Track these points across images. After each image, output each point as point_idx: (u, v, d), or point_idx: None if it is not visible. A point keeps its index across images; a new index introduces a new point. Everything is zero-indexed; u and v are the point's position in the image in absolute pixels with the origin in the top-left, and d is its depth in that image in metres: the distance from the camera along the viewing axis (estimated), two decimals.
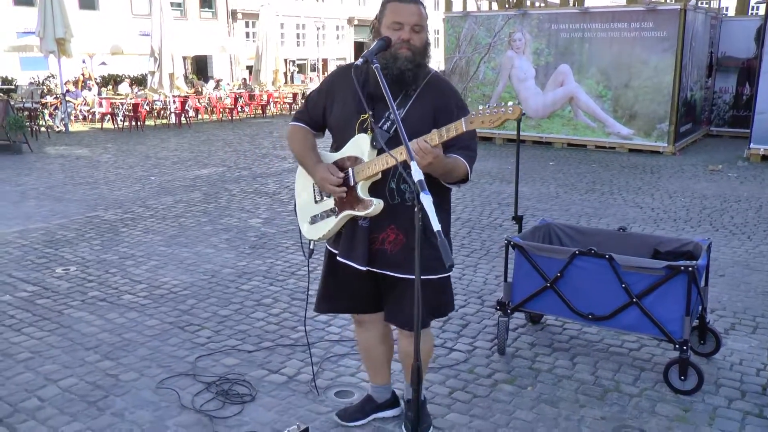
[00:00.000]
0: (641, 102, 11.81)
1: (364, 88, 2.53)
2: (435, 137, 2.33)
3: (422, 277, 2.56)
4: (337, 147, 2.70)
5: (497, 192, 8.61)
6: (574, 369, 3.72)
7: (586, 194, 8.48)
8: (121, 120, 16.95)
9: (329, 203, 2.69)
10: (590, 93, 12.27)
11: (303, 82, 31.06)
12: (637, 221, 7.03)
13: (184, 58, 23.07)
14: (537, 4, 14.39)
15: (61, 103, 16.74)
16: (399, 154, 2.36)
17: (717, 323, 4.28)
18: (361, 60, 2.43)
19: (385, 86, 2.30)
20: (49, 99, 18.11)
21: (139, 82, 24.85)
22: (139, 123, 16.66)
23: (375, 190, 2.58)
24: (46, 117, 16.38)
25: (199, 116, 19.42)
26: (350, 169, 2.58)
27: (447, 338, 4.12)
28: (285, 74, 26.00)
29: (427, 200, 1.96)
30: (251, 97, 21.09)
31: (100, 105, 18.05)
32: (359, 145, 2.57)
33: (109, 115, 17.34)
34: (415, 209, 2.00)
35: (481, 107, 2.30)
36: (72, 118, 17.42)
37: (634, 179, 9.48)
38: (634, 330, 3.57)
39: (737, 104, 14.07)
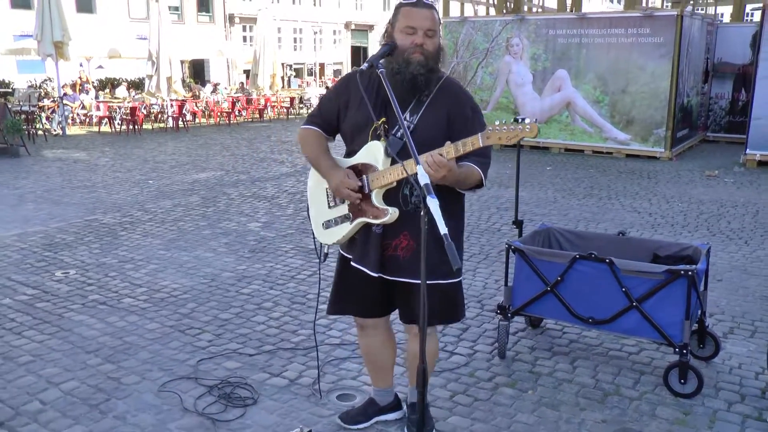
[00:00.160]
0: (638, 107, 11.86)
1: (378, 94, 2.54)
2: (451, 151, 2.32)
3: (432, 281, 2.60)
4: (349, 153, 2.70)
5: (495, 197, 8.64)
6: (575, 373, 3.74)
7: (584, 199, 8.51)
8: (118, 123, 16.95)
9: (343, 209, 2.69)
10: (587, 98, 12.33)
11: (300, 86, 31.11)
12: (634, 226, 7.06)
13: (182, 62, 23.07)
14: (534, 9, 14.45)
15: (58, 107, 16.73)
16: (412, 166, 2.35)
17: (716, 327, 4.30)
18: (366, 65, 2.45)
19: (391, 93, 2.31)
20: (46, 102, 18.09)
21: (137, 85, 24.85)
22: (136, 127, 16.66)
23: (388, 196, 2.59)
24: (44, 120, 16.36)
25: (197, 120, 19.43)
26: (365, 177, 2.58)
27: (447, 342, 4.13)
28: (282, 78, 26.01)
29: (433, 204, 1.97)
30: (249, 101, 21.11)
31: (98, 108, 18.04)
32: (373, 152, 2.56)
33: (106, 119, 17.33)
34: (421, 213, 2.01)
35: (497, 123, 2.29)
36: (69, 121, 17.40)
37: (631, 184, 9.52)
38: (634, 334, 3.60)
39: (733, 110, 14.15)
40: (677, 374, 3.44)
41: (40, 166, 11.34)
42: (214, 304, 4.79)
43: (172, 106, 17.78)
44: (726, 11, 21.50)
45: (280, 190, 9.18)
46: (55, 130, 16.33)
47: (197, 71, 32.18)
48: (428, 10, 2.51)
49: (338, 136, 2.87)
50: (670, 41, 11.32)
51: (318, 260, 2.89)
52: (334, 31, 42.49)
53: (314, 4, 40.57)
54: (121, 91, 21.90)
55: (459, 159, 2.41)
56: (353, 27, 43.27)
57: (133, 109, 16.69)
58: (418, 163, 2.12)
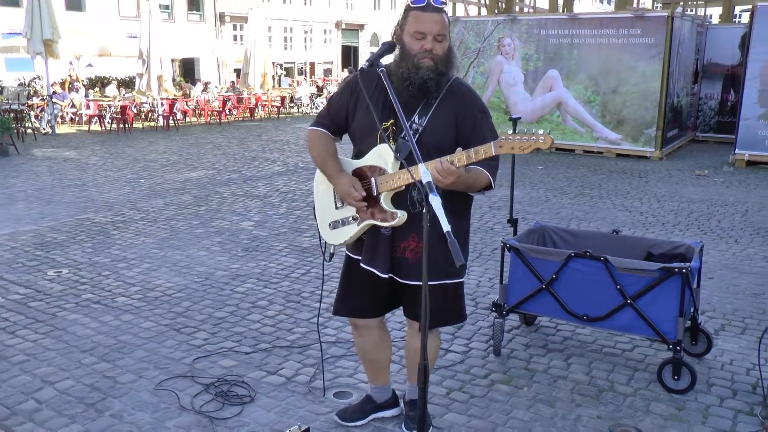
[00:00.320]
0: (629, 107, 11.94)
1: (386, 96, 2.53)
2: (463, 158, 2.32)
3: (440, 282, 2.63)
4: (358, 153, 2.71)
5: (487, 195, 8.62)
6: (569, 369, 3.77)
7: (576, 198, 8.56)
8: (108, 122, 16.86)
9: (350, 211, 2.69)
10: (578, 98, 12.39)
11: (290, 85, 31.05)
12: (626, 225, 7.11)
13: (173, 61, 22.97)
14: (526, 9, 14.51)
15: (47, 105, 16.61)
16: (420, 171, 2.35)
17: (707, 324, 4.34)
18: (367, 63, 2.45)
19: (394, 96, 2.31)
20: (35, 101, 17.96)
21: (127, 84, 24.72)
22: (126, 125, 16.57)
23: (396, 198, 2.59)
24: (32, 119, 16.24)
25: (187, 119, 19.36)
26: (373, 179, 2.58)
27: (443, 339, 4.14)
28: (273, 77, 25.96)
29: (436, 201, 1.98)
30: (239, 100, 21.05)
31: (88, 107, 17.93)
32: (382, 155, 2.56)
33: (96, 118, 17.23)
34: (424, 210, 2.02)
35: (511, 132, 2.29)
36: (58, 120, 17.29)
37: (622, 184, 9.58)
38: (628, 331, 3.63)
39: (722, 110, 14.27)
40: (671, 370, 3.48)
41: (30, 165, 11.27)
42: (208, 302, 4.79)
43: (162, 104, 17.70)
44: (715, 12, 21.67)
45: (272, 189, 9.17)
46: (44, 129, 16.22)
47: (187, 70, 32.05)
48: (438, 14, 2.47)
49: (344, 136, 2.87)
50: (660, 42, 11.40)
51: (324, 259, 2.89)
52: (325, 31, 42.43)
53: (305, 3, 40.50)
54: (111, 90, 21.77)
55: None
56: (344, 26, 43.23)
57: (123, 108, 16.60)
58: (420, 161, 2.12)
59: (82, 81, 22.80)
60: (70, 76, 22.21)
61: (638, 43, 11.61)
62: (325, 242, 2.84)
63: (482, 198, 8.47)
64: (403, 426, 3.07)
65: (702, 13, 16.82)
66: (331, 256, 2.88)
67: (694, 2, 22.79)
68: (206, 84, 24.40)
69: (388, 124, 2.57)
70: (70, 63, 23.34)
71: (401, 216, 2.54)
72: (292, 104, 23.42)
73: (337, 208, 2.74)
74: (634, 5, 13.53)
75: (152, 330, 4.26)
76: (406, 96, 2.51)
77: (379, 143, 2.58)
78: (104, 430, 3.08)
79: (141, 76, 17.33)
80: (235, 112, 20.75)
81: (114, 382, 3.54)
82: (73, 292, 4.97)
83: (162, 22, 17.70)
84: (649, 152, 11.84)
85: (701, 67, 14.12)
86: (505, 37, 12.96)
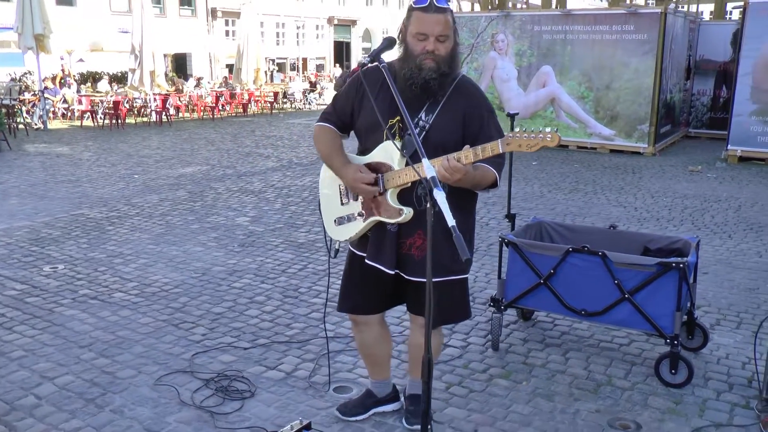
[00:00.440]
0: (622, 103, 11.99)
1: (392, 93, 2.53)
2: (470, 155, 2.33)
3: (446, 278, 2.64)
4: (364, 150, 2.71)
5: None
6: (567, 364, 3.79)
7: (570, 194, 8.59)
8: (101, 118, 16.77)
9: (356, 206, 2.70)
10: (572, 94, 12.43)
11: (283, 81, 30.96)
12: (621, 220, 7.14)
13: (165, 56, 22.85)
14: (519, 5, 14.53)
15: (39, 100, 16.51)
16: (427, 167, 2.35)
17: (703, 319, 4.38)
18: (368, 58, 2.45)
19: (398, 94, 2.31)
20: (27, 96, 17.84)
21: (119, 79, 24.58)
22: (119, 121, 16.50)
23: (402, 195, 2.60)
24: (24, 114, 16.13)
25: (180, 114, 19.28)
26: (380, 176, 2.58)
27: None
28: (265, 73, 25.89)
29: (440, 196, 1.99)
30: (232, 95, 20.98)
31: (80, 102, 17.82)
32: (389, 152, 2.56)
33: (88, 113, 17.14)
34: (428, 205, 2.03)
35: (518, 130, 2.30)
36: (50, 115, 17.18)
37: (616, 179, 9.63)
38: (626, 325, 3.66)
39: (714, 106, 14.35)
40: (668, 365, 3.50)
41: (23, 160, 11.20)
42: (206, 298, 4.78)
43: (155, 100, 17.62)
44: (706, 9, 21.75)
45: (267, 185, 9.16)
46: (36, 124, 16.13)
47: (179, 65, 31.88)
48: (440, 15, 2.45)
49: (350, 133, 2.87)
50: (653, 38, 11.44)
51: (329, 255, 2.90)
52: (317, 26, 42.31)
53: None
54: (103, 85, 21.65)
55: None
56: (336, 22, 43.12)
57: (116, 103, 16.53)
58: (424, 156, 2.13)
59: (74, 76, 22.65)
60: (62, 71, 22.05)
61: (631, 39, 11.65)
62: (331, 238, 2.85)
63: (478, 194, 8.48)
64: (403, 420, 3.08)
65: (694, 10, 16.86)
66: (336, 252, 2.89)
67: None
68: (199, 79, 24.31)
69: (395, 121, 2.57)
70: (62, 58, 23.17)
71: (407, 213, 2.54)
72: (285, 100, 23.37)
73: (342, 204, 2.75)
74: (627, 1, 13.56)
75: (150, 325, 4.26)
76: (411, 94, 2.51)
77: (385, 140, 2.58)
78: (105, 425, 3.08)
79: (133, 71, 17.25)
80: (227, 108, 20.69)
81: (113, 378, 3.54)
82: (70, 287, 4.95)
83: (154, 17, 17.61)
84: (643, 148, 11.90)
85: (693, 64, 14.19)
86: (499, 33, 12.97)
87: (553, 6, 14.10)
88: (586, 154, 12.03)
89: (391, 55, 2.57)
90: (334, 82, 32.35)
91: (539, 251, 3.78)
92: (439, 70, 2.49)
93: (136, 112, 18.07)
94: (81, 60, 25.30)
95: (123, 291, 4.89)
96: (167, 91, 18.97)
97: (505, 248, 3.94)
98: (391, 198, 2.58)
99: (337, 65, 42.26)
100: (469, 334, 4.19)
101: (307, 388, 3.46)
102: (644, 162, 11.23)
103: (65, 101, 18.40)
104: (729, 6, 19.96)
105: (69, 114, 18.17)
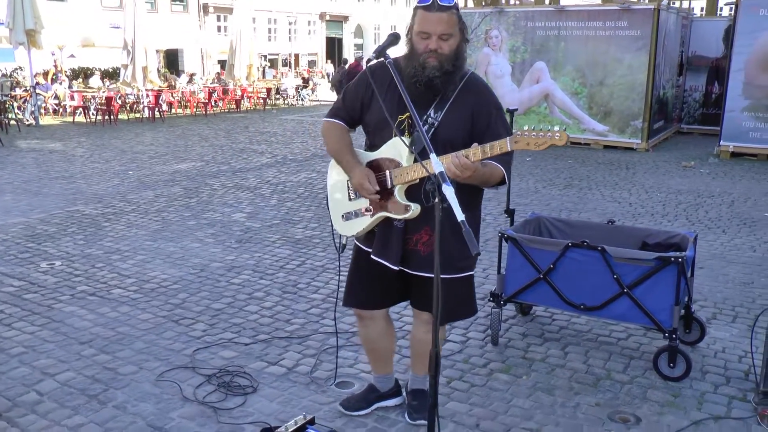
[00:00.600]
0: (616, 99, 12.04)
1: (402, 89, 2.53)
2: (478, 153, 2.35)
3: (452, 275, 2.66)
4: (372, 145, 2.72)
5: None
6: (566, 358, 3.82)
7: (565, 189, 8.63)
8: (93, 114, 16.68)
9: (364, 202, 2.71)
10: (566, 90, 12.47)
11: (275, 76, 30.86)
12: (616, 216, 7.18)
13: (157, 52, 22.73)
14: (513, 1, 14.55)
15: (30, 96, 16.40)
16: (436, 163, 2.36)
17: (699, 313, 4.42)
18: (374, 54, 2.46)
19: (404, 92, 2.32)
20: (18, 92, 17.71)
21: (111, 75, 24.44)
22: (112, 117, 16.41)
23: (410, 191, 2.61)
24: (16, 110, 16.02)
25: (173, 110, 19.21)
26: (388, 172, 2.60)
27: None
28: (258, 69, 25.82)
29: (449, 191, 2.01)
30: (225, 91, 20.91)
31: (72, 98, 17.72)
32: (397, 148, 2.57)
33: (81, 109, 17.04)
34: (436, 200, 2.04)
35: (526, 128, 2.31)
36: (42, 111, 17.08)
37: (610, 175, 9.68)
38: (625, 319, 3.69)
39: (706, 102, 14.43)
40: (666, 358, 3.54)
41: (15, 156, 11.13)
42: (205, 294, 4.79)
43: (148, 96, 17.54)
44: (697, 5, 21.88)
45: (263, 181, 9.15)
46: (27, 120, 16.02)
47: (171, 61, 31.70)
48: (443, 13, 2.45)
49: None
50: (647, 34, 11.49)
51: (336, 251, 2.91)
52: (309, 22, 42.18)
53: None
54: (95, 81, 21.52)
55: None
56: (328, 18, 43.00)
57: (108, 99, 16.43)
58: (432, 152, 2.14)
59: (65, 72, 22.50)
60: (55, 66, 21.89)
61: (625, 35, 11.70)
62: (338, 233, 2.86)
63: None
64: (406, 415, 3.10)
65: (686, 6, 16.94)
66: (343, 247, 2.90)
67: None
68: (191, 75, 24.20)
69: (404, 117, 2.58)
70: (53, 54, 23.01)
71: (415, 209, 2.56)
72: (277, 96, 23.30)
73: (350, 199, 2.76)
74: None
75: (150, 321, 4.26)
76: (418, 92, 2.52)
77: (394, 136, 2.59)
78: (108, 421, 3.09)
79: (126, 67, 17.17)
80: (220, 104, 20.62)
81: (115, 374, 3.54)
82: (68, 284, 4.94)
83: (146, 13, 17.51)
84: (636, 144, 11.96)
85: (686, 60, 14.26)
86: (492, 29, 12.99)
87: (547, 2, 14.12)
88: (579, 150, 12.08)
89: (395, 51, 2.58)
90: (330, 77, 32.33)
91: (539, 246, 3.81)
92: (442, 69, 2.50)
93: (128, 108, 17.98)
94: (72, 56, 25.13)
95: (121, 287, 4.88)
96: (160, 87, 18.87)
97: (504, 243, 3.96)
98: (398, 194, 2.59)
99: (329, 61, 42.18)
100: (468, 329, 4.22)
101: (309, 383, 3.47)
102: (638, 158, 11.29)
103: (56, 97, 18.29)
104: (721, 2, 20.06)
105: (60, 110, 18.05)
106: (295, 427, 2.78)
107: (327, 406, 3.23)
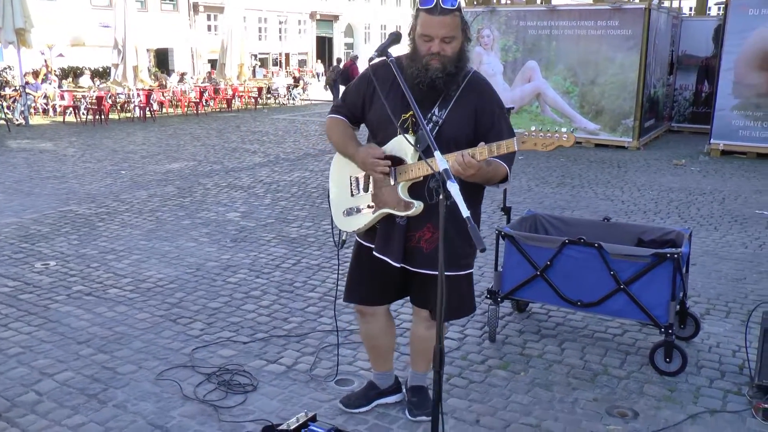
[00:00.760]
0: (607, 98, 12.11)
1: (405, 87, 2.54)
2: (485, 152, 2.35)
3: (454, 273, 2.67)
4: (376, 144, 2.71)
5: None
6: (563, 354, 3.85)
7: (558, 188, 8.68)
8: (84, 113, 16.59)
9: (366, 198, 2.72)
10: (557, 89, 12.53)
11: (265, 76, 30.79)
12: (609, 213, 7.22)
13: (148, 51, 22.61)
14: (504, 1, 14.59)
15: (20, 96, 16.29)
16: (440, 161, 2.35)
17: (693, 308, 4.45)
18: (376, 53, 2.48)
19: (408, 91, 2.34)
20: (7, 91, 17.58)
21: (101, 74, 24.30)
22: (102, 116, 16.33)
23: (414, 188, 2.63)
24: (5, 110, 15.91)
25: (164, 110, 19.13)
26: (392, 169, 2.60)
27: None
28: (249, 68, 25.75)
29: (454, 188, 2.02)
30: (216, 91, 20.85)
31: (62, 98, 17.61)
32: (402, 146, 2.58)
33: (71, 109, 16.94)
34: (440, 197, 2.06)
35: (534, 128, 2.32)
36: (32, 111, 16.96)
37: (602, 173, 9.74)
38: (621, 315, 3.72)
39: (696, 101, 14.54)
40: (663, 353, 3.58)
41: (6, 156, 11.06)
42: (202, 293, 4.78)
43: (139, 95, 17.46)
44: (685, 4, 22.05)
45: (256, 180, 9.14)
46: (17, 120, 15.91)
47: (161, 60, 31.56)
48: (445, 17, 2.45)
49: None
50: (638, 34, 11.57)
51: (336, 246, 2.92)
52: (299, 21, 42.12)
53: None
54: (85, 80, 21.39)
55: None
56: (318, 17, 42.95)
57: (99, 99, 16.35)
58: (435, 149, 2.16)
59: (54, 71, 22.35)
60: (45, 66, 21.72)
61: (616, 34, 11.77)
62: (338, 229, 2.87)
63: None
64: (406, 412, 3.12)
65: (676, 5, 17.08)
66: (343, 243, 2.91)
67: None
68: (182, 75, 24.10)
69: (407, 115, 2.59)
70: (42, 53, 22.85)
71: (418, 206, 2.57)
72: (269, 95, 23.25)
73: (352, 195, 2.77)
74: None
75: (148, 321, 4.25)
76: (422, 91, 2.53)
77: (399, 135, 2.60)
78: (108, 420, 3.08)
79: (116, 66, 17.09)
80: (212, 103, 20.56)
81: (114, 373, 3.53)
82: (63, 284, 4.92)
83: (136, 12, 17.44)
84: (627, 142, 12.04)
85: (676, 59, 14.36)
86: (484, 29, 13.03)
87: (539, 2, 14.18)
88: (571, 149, 12.12)
89: (397, 50, 2.59)
90: (320, 77, 32.26)
91: (536, 243, 3.83)
92: (445, 70, 2.51)
93: (119, 107, 17.90)
94: (61, 55, 24.96)
95: (118, 287, 4.87)
96: (151, 86, 18.80)
97: (501, 241, 3.99)
98: (402, 191, 2.60)
99: (319, 61, 42.14)
100: (465, 326, 4.24)
101: (308, 381, 3.48)
102: (629, 156, 11.36)
103: (46, 97, 18.16)
104: (710, 1, 20.21)
105: (50, 110, 17.93)
106: (297, 425, 2.79)
107: (327, 404, 3.24)
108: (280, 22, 40.43)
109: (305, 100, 25.10)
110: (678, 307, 3.89)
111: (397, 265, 2.71)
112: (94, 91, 17.75)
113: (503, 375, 3.59)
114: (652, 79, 12.58)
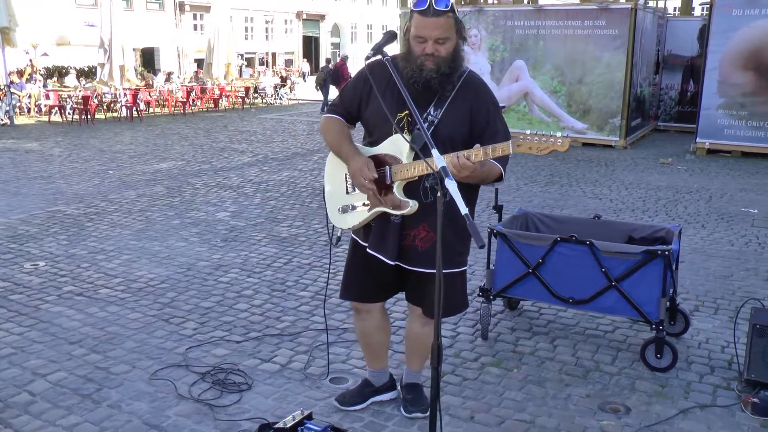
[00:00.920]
0: (594, 97, 12.20)
1: (401, 86, 2.56)
2: (480, 154, 2.36)
3: (448, 270, 2.68)
4: (371, 142, 2.74)
5: None
6: (555, 351, 3.89)
7: (546, 186, 8.73)
8: (69, 113, 16.45)
9: (361, 196, 2.72)
10: (545, 88, 12.60)
11: (252, 75, 30.69)
12: (597, 212, 7.26)
13: (134, 50, 22.46)
14: (491, 0, 14.66)
15: (5, 95, 16.12)
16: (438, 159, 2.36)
17: (683, 305, 4.51)
18: (371, 52, 2.49)
19: (404, 90, 2.35)
20: None
21: (86, 74, 24.10)
22: (89, 116, 16.21)
23: (409, 188, 2.64)
24: None
25: (151, 109, 19.02)
26: (387, 168, 2.61)
27: None
28: (236, 68, 25.67)
29: (452, 186, 2.04)
30: (203, 90, 20.76)
31: (47, 98, 17.45)
32: (398, 145, 2.59)
33: (56, 108, 16.79)
34: (438, 194, 2.08)
35: (529, 132, 2.34)
36: (17, 110, 16.80)
37: (590, 172, 9.81)
38: (612, 312, 3.76)
39: (682, 100, 14.68)
40: (653, 349, 3.62)
41: None
42: (194, 292, 4.77)
43: (125, 95, 17.35)
44: (670, 5, 22.27)
45: (245, 180, 9.12)
46: (2, 120, 15.75)
47: (147, 60, 31.36)
48: (439, 18, 2.45)
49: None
50: (624, 33, 11.66)
51: (331, 243, 2.93)
52: (286, 21, 42.04)
53: None
54: (71, 80, 21.20)
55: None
56: (305, 16, 42.90)
57: (85, 98, 16.22)
58: (433, 147, 2.18)
59: (39, 71, 22.14)
60: (31, 65, 21.51)
61: (603, 34, 11.86)
62: (333, 226, 2.88)
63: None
64: (401, 409, 3.14)
65: (662, 5, 17.25)
66: (338, 239, 2.92)
67: None
68: (169, 74, 23.96)
69: (403, 114, 2.61)
70: (27, 52, 22.63)
71: (413, 205, 2.58)
72: (256, 95, 23.18)
73: (348, 192, 2.78)
74: None
75: (140, 321, 4.24)
76: (418, 91, 2.55)
77: (395, 133, 2.61)
78: (103, 420, 3.07)
79: (102, 65, 16.97)
80: (199, 103, 20.46)
81: (107, 373, 3.52)
82: (54, 284, 4.89)
83: (122, 11, 17.33)
84: (614, 141, 12.13)
85: (662, 58, 14.49)
86: (472, 28, 13.06)
87: (526, 1, 14.27)
88: None
89: (392, 48, 2.60)
90: (306, 76, 32.19)
91: (527, 241, 3.86)
92: (439, 71, 2.52)
93: (105, 107, 17.77)
94: (45, 54, 24.73)
95: (108, 287, 4.85)
96: (137, 85, 18.68)
97: (493, 239, 4.02)
98: (397, 190, 2.61)
99: (306, 60, 42.06)
100: (458, 324, 4.26)
101: (303, 379, 3.49)
102: (616, 155, 11.46)
103: (30, 97, 17.99)
104: (694, 2, 20.41)
105: (35, 109, 17.76)
106: (293, 423, 2.80)
107: (322, 402, 3.25)
108: (267, 22, 40.34)
109: (292, 99, 25.05)
110: (668, 303, 3.94)
111: (392, 263, 2.72)
112: (80, 91, 17.61)
113: (496, 372, 3.62)
114: (639, 79, 12.68)
